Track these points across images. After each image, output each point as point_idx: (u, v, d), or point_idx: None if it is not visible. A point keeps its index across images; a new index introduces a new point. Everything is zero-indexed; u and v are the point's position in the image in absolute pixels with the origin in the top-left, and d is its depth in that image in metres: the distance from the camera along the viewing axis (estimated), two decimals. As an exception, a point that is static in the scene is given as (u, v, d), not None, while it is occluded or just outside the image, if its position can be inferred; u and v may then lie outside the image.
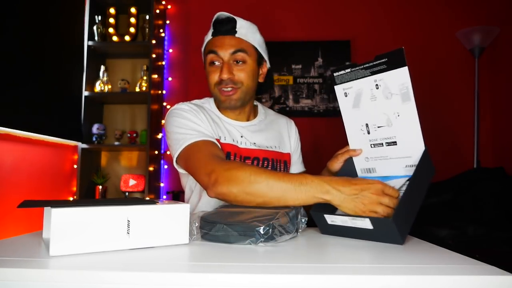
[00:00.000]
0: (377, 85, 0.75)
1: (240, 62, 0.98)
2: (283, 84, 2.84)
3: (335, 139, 2.84)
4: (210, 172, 0.78)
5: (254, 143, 1.04)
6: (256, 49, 1.01)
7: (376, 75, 0.75)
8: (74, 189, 2.42)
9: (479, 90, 2.58)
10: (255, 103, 1.16)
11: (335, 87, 0.82)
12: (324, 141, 2.75)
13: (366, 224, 0.64)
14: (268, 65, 1.08)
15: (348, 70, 0.79)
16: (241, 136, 1.04)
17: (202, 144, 0.87)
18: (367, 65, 0.75)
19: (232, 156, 0.98)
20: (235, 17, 0.99)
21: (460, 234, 1.87)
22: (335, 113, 2.80)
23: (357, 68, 0.77)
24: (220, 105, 1.04)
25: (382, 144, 0.79)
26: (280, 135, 1.14)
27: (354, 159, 0.86)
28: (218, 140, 0.95)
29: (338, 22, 2.87)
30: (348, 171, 0.86)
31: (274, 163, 1.06)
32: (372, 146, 0.81)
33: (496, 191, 2.12)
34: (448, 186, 2.38)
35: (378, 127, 0.78)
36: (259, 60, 1.03)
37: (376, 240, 0.65)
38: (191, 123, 0.93)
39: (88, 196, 2.48)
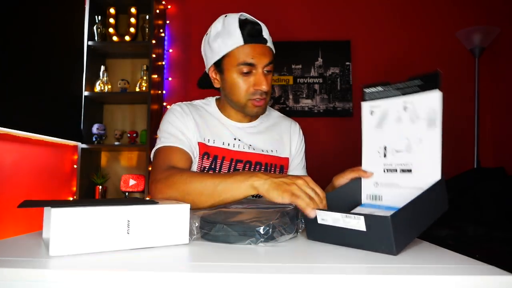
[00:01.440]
0: (405, 107, 0.72)
1: (269, 72, 0.97)
2: (283, 84, 2.84)
3: (335, 139, 2.85)
4: (154, 180, 0.84)
5: (250, 146, 1.03)
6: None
7: (406, 96, 0.72)
8: (74, 189, 2.42)
9: (479, 90, 2.58)
10: None
11: (363, 103, 0.79)
12: (324, 141, 2.75)
13: (360, 224, 0.58)
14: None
15: (380, 88, 0.76)
16: (235, 139, 1.02)
17: (167, 150, 0.93)
18: (399, 85, 0.73)
19: (220, 159, 0.99)
20: (258, 21, 0.97)
21: (460, 234, 1.87)
22: (335, 113, 2.81)
23: (389, 87, 0.75)
24: (245, 113, 1.02)
25: (396, 170, 0.74)
26: (281, 139, 1.11)
27: (363, 181, 0.81)
28: (202, 144, 0.98)
29: (338, 22, 2.88)
30: (352, 190, 0.81)
31: (268, 167, 1.04)
32: (386, 171, 0.76)
33: (496, 191, 2.12)
34: (448, 186, 2.38)
35: (397, 151, 0.74)
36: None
37: (368, 249, 0.59)
38: (171, 127, 0.97)
39: (88, 196, 2.48)
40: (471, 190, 2.22)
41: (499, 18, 2.67)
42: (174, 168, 0.88)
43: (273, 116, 1.16)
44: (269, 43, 0.97)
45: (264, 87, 0.94)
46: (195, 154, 0.98)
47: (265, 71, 0.95)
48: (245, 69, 0.94)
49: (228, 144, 1.01)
